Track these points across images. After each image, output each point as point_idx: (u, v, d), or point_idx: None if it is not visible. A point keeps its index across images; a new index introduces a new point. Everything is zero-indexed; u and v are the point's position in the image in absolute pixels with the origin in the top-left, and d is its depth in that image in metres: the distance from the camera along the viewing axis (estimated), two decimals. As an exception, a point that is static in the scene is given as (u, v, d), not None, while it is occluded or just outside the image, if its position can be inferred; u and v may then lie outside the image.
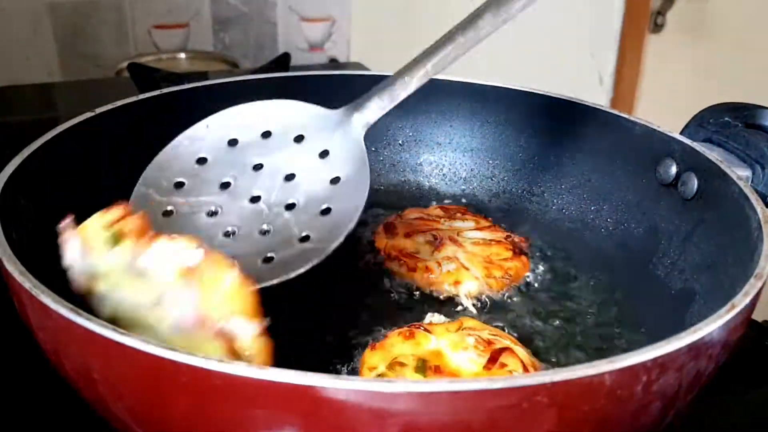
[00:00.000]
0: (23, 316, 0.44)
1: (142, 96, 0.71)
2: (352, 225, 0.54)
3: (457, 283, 0.64)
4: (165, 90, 0.72)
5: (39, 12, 1.33)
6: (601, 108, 0.74)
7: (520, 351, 0.54)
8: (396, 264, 0.67)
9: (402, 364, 0.52)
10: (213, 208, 0.55)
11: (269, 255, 0.53)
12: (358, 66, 1.50)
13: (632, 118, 0.70)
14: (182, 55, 1.44)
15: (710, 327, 0.39)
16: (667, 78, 1.88)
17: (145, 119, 0.70)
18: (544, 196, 0.78)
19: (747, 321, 0.45)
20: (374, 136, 0.84)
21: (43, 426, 0.55)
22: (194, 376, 0.35)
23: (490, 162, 0.82)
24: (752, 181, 0.60)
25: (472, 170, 0.83)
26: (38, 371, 0.49)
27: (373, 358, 0.53)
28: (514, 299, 0.64)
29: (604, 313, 0.63)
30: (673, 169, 0.65)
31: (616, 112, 0.73)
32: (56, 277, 0.43)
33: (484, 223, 0.74)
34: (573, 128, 0.76)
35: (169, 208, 0.54)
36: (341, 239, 0.54)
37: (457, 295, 0.64)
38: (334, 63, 1.57)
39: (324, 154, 0.57)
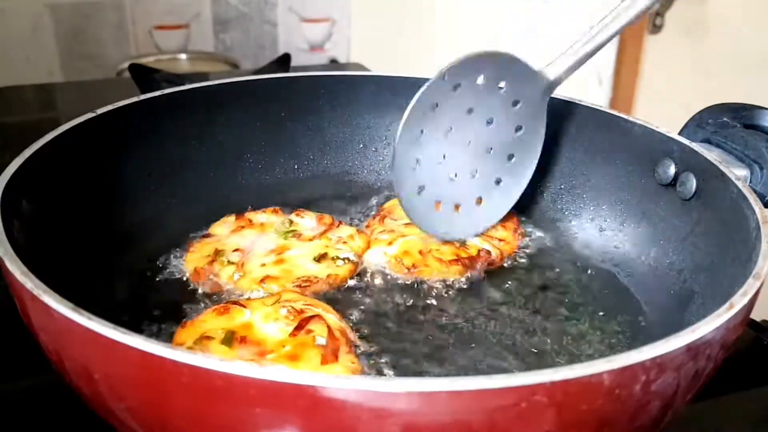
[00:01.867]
0: (24, 316, 0.44)
1: (143, 97, 0.71)
2: (531, 173, 0.70)
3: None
4: (166, 91, 0.72)
5: (39, 13, 1.33)
6: (600, 108, 0.74)
7: (330, 318, 0.56)
8: None
9: (209, 338, 0.53)
10: (443, 155, 0.66)
11: (479, 196, 0.69)
12: (359, 66, 1.50)
13: (631, 119, 0.70)
14: (183, 56, 1.44)
15: (709, 326, 0.39)
16: (666, 78, 1.88)
17: (146, 120, 0.70)
18: (544, 196, 0.79)
19: (746, 320, 0.45)
20: (375, 136, 0.84)
21: (43, 426, 0.55)
22: (195, 376, 0.35)
23: (490, 162, 0.82)
24: (750, 182, 0.60)
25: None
26: (39, 371, 0.49)
27: (182, 336, 0.54)
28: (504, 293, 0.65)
29: (602, 313, 0.63)
30: (672, 170, 0.65)
31: (615, 112, 0.73)
32: (58, 277, 0.43)
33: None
34: (572, 129, 0.76)
35: (418, 157, 0.65)
36: (525, 185, 0.70)
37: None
38: (334, 63, 1.57)
39: (515, 103, 0.67)
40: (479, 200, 0.69)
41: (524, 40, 1.66)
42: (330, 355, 0.52)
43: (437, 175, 0.66)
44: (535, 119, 0.68)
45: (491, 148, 0.68)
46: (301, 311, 0.56)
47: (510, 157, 0.69)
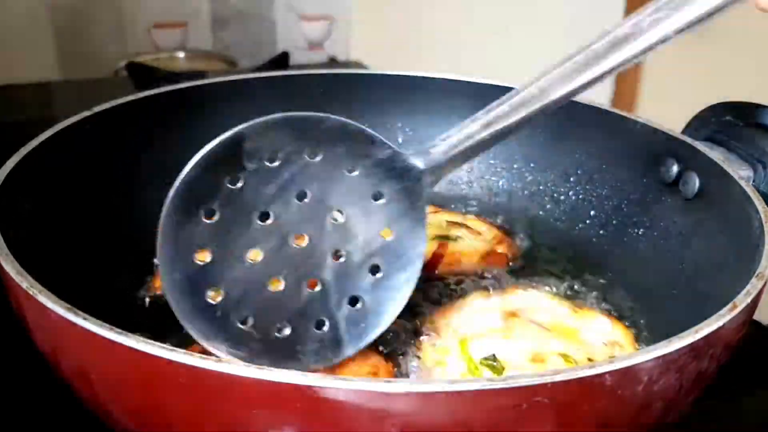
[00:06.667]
0: (20, 316, 0.44)
1: (140, 95, 0.70)
2: (407, 295, 0.48)
3: None
4: (164, 89, 0.72)
5: (37, 11, 1.33)
6: (602, 107, 0.74)
7: None
8: None
9: None
10: (249, 250, 0.45)
11: (321, 319, 0.47)
12: (358, 65, 1.50)
13: (633, 117, 0.70)
14: (181, 54, 1.44)
15: (712, 327, 0.39)
16: (668, 77, 1.88)
17: (144, 118, 0.70)
18: (545, 195, 0.78)
19: (749, 321, 0.45)
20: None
21: (42, 426, 0.55)
22: (193, 376, 0.35)
23: (490, 162, 0.82)
24: (754, 181, 0.60)
25: (471, 170, 0.83)
26: (36, 372, 0.49)
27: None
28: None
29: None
30: (675, 169, 0.64)
31: (617, 111, 0.73)
32: (54, 277, 0.43)
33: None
34: (574, 128, 0.76)
35: (205, 244, 0.44)
36: (395, 314, 0.48)
37: None
38: (333, 62, 1.57)
39: (377, 196, 0.48)
40: (319, 324, 0.47)
41: (526, 40, 1.66)
42: None
43: (242, 277, 0.44)
44: (412, 221, 0.48)
45: (340, 253, 0.47)
46: None
47: (374, 269, 0.48)
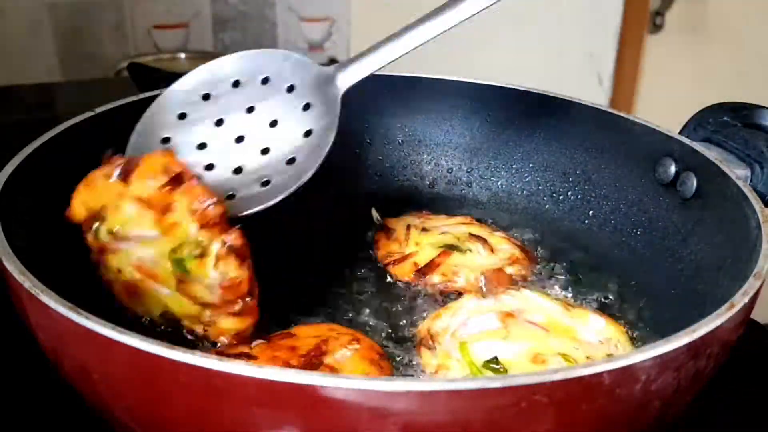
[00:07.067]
0: (23, 315, 0.44)
1: (141, 96, 0.70)
2: (307, 177, 0.61)
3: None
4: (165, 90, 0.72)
5: (38, 12, 1.33)
6: (600, 108, 0.74)
7: None
8: None
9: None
10: (201, 143, 0.62)
11: (231, 193, 0.61)
12: (358, 66, 1.50)
13: (632, 118, 0.70)
14: (182, 55, 1.44)
15: (709, 326, 0.39)
16: (666, 78, 1.88)
17: (145, 119, 0.70)
18: (543, 196, 0.79)
19: (746, 320, 0.45)
20: (374, 135, 0.84)
21: (44, 425, 0.55)
22: (194, 376, 0.35)
23: (490, 162, 0.82)
24: (751, 181, 0.60)
25: (471, 170, 0.83)
26: (38, 371, 0.49)
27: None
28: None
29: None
30: (672, 169, 0.65)
31: (615, 111, 0.73)
32: (56, 277, 0.43)
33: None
34: (572, 128, 0.76)
35: (168, 136, 0.62)
36: (293, 188, 0.60)
37: None
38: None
39: (307, 107, 0.63)
40: (231, 196, 0.62)
41: (526, 40, 1.66)
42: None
43: (190, 160, 0.61)
44: (328, 122, 0.63)
45: (268, 149, 0.63)
46: None
47: (290, 160, 0.63)
